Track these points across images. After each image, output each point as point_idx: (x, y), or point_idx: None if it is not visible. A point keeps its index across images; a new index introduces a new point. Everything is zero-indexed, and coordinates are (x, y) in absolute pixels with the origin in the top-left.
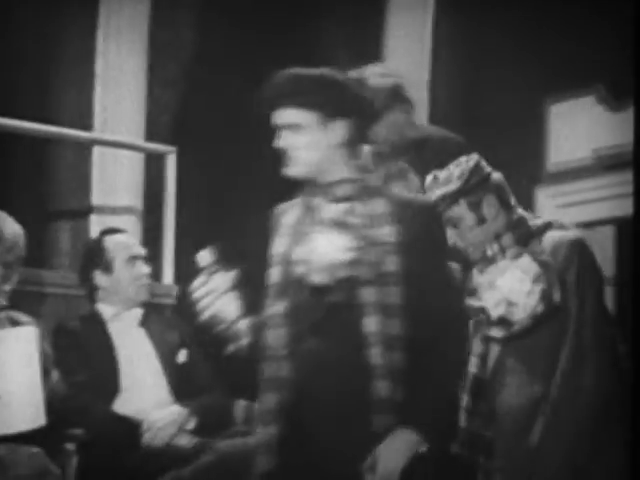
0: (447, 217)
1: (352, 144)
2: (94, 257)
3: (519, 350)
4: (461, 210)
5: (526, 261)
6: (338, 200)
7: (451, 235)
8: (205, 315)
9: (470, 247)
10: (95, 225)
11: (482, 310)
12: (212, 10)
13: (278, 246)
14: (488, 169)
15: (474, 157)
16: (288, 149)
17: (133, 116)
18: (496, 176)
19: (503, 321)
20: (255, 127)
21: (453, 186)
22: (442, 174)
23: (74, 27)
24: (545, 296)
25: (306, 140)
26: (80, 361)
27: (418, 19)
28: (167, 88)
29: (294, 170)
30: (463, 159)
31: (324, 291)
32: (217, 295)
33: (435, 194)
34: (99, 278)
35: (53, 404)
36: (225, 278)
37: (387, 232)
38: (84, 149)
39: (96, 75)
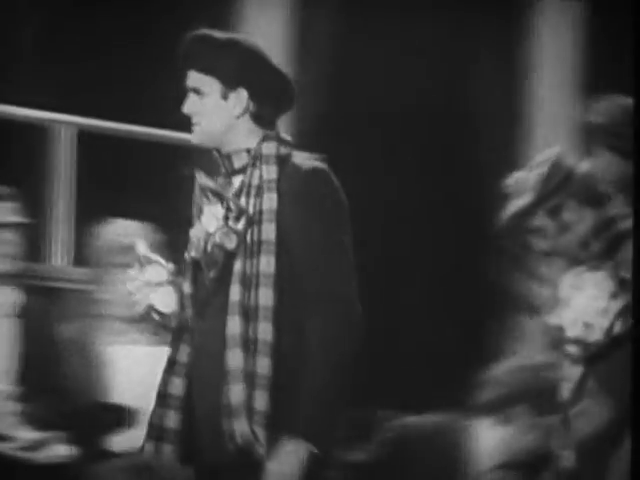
0: (528, 228)
1: (258, 117)
2: None
3: (598, 371)
4: (541, 220)
5: (602, 277)
6: (234, 172)
7: (540, 243)
8: (139, 308)
9: (559, 257)
10: None
11: (560, 329)
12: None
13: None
14: (570, 164)
15: (554, 152)
16: (192, 115)
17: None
18: (582, 169)
19: (579, 341)
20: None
21: (527, 198)
22: (520, 177)
23: None
24: (622, 315)
25: (208, 107)
26: None
27: None
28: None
29: (196, 137)
30: (544, 155)
31: (201, 266)
32: (152, 288)
33: (509, 209)
34: None
35: None
36: (160, 270)
37: (265, 199)
38: None
39: None
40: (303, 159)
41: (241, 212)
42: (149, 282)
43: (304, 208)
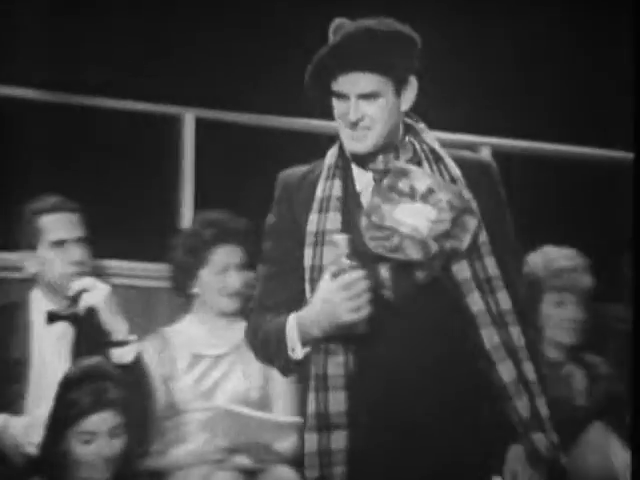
0: None
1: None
2: (24, 233)
3: None
4: None
5: None
6: (400, 170)
7: None
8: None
9: None
10: None
11: None
12: None
13: (319, 222)
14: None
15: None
16: (361, 120)
17: None
18: None
19: None
20: None
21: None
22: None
23: None
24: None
25: (383, 109)
26: None
27: None
28: None
29: (369, 144)
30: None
31: (414, 267)
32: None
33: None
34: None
35: None
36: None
37: (469, 197)
38: None
39: None
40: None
41: (467, 209)
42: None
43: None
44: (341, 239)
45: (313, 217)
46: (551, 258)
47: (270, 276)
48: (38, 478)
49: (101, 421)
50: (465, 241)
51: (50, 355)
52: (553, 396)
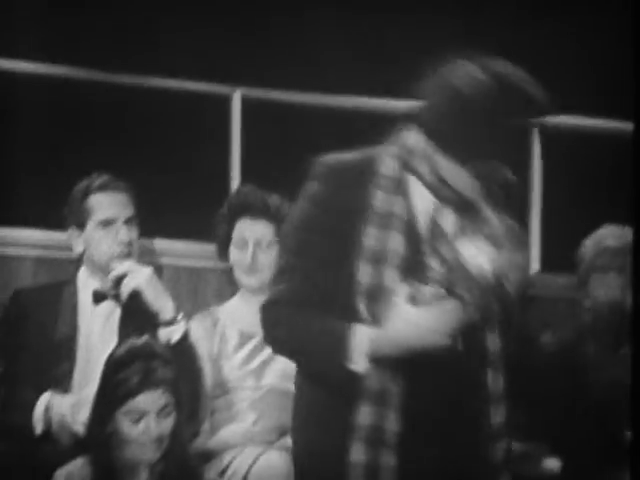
0: None
1: None
2: (73, 212)
3: None
4: None
5: None
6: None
7: None
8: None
9: None
10: None
11: None
12: None
13: (379, 239)
14: None
15: None
16: None
17: None
18: None
19: None
20: None
21: None
22: None
23: None
24: None
25: None
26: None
27: None
28: None
29: None
30: None
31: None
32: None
33: None
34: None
35: None
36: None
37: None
38: None
39: None
40: None
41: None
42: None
43: None
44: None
45: (371, 231)
46: (600, 238)
47: (307, 273)
48: (85, 457)
49: (150, 400)
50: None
51: (97, 334)
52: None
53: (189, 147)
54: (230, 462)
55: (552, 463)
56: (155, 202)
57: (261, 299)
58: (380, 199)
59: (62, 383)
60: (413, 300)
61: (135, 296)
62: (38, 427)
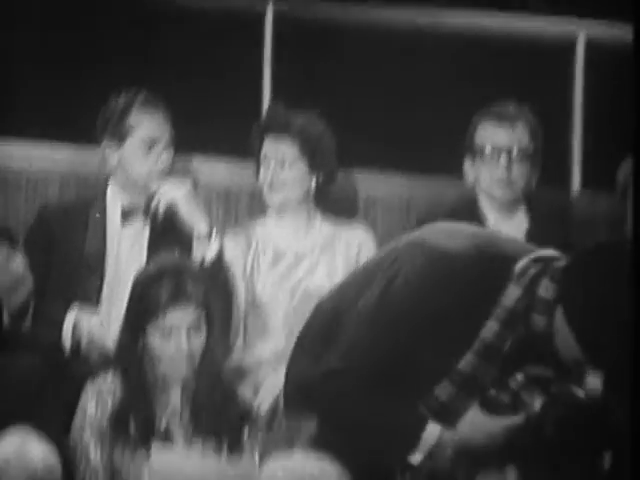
0: None
1: None
2: (110, 127)
3: None
4: None
5: None
6: None
7: None
8: None
9: None
10: None
11: None
12: None
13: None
14: None
15: None
16: None
17: None
18: None
19: None
20: None
21: None
22: None
23: None
24: None
25: None
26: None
27: None
28: None
29: None
30: None
31: None
32: None
33: None
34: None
35: None
36: None
37: None
38: None
39: None
40: None
41: None
42: None
43: None
44: None
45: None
46: None
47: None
48: (114, 373)
49: (181, 316)
50: None
51: (126, 253)
52: None
53: (221, 65)
54: (263, 380)
55: (593, 381)
56: (188, 120)
57: (293, 217)
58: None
59: (91, 299)
60: (488, 407)
61: (169, 212)
62: (67, 343)
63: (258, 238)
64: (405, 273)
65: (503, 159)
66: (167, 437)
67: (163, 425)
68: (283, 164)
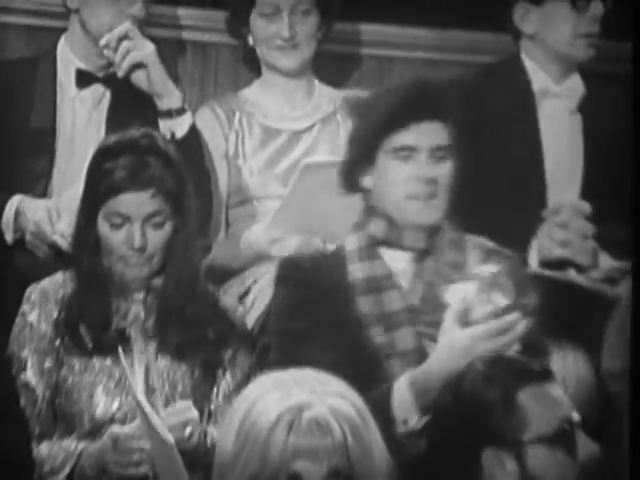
0: None
1: None
2: None
3: None
4: None
5: None
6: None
7: None
8: None
9: None
10: None
11: None
12: None
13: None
14: None
15: None
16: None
17: None
18: None
19: None
20: None
21: None
22: None
23: None
24: None
25: None
26: None
27: None
28: None
29: None
30: None
31: None
32: None
33: None
34: None
35: None
36: None
37: None
38: None
39: None
40: None
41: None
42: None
43: None
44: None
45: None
46: None
47: None
48: (65, 272)
49: (134, 202)
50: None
51: (81, 126)
52: None
53: None
54: (251, 286)
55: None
56: None
57: (295, 83)
58: (357, 268)
59: (37, 184)
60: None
61: (135, 75)
62: (8, 234)
63: (243, 111)
64: None
65: None
66: (125, 348)
67: (122, 335)
68: (296, 11)
